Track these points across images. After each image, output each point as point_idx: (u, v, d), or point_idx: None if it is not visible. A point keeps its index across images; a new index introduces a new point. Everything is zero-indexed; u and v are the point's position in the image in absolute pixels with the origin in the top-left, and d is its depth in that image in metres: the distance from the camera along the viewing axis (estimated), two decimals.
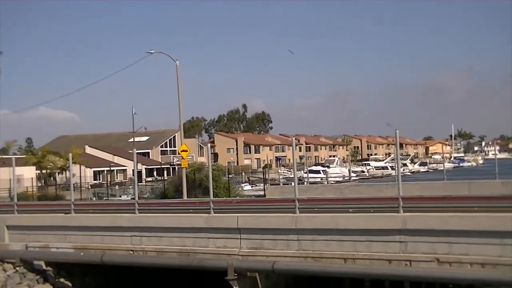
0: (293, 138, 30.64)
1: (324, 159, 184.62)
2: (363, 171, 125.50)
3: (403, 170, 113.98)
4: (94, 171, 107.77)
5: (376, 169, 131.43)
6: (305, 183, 65.34)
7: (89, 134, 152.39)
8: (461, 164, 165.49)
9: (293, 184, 27.99)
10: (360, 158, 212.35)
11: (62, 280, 27.64)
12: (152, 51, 52.10)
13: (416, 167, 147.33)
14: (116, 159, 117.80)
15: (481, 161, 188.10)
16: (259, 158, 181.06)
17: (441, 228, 19.61)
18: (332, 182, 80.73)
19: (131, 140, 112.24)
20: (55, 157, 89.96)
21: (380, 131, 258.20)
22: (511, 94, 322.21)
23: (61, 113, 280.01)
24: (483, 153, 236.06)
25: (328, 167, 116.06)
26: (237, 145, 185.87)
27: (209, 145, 69.04)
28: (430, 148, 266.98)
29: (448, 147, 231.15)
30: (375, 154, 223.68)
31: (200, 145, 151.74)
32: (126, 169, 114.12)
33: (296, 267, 22.05)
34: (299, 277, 23.69)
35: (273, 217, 23.73)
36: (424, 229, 19.95)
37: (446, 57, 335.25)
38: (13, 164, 34.40)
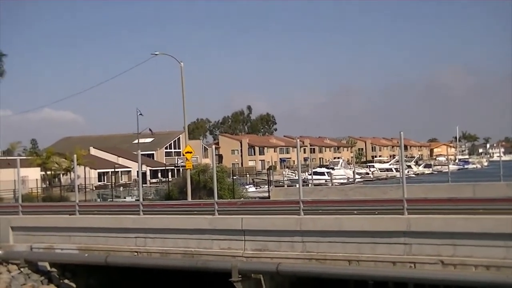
0: (298, 140, 30.66)
1: (328, 161, 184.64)
2: (367, 173, 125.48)
3: (408, 172, 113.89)
4: (98, 173, 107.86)
5: (380, 171, 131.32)
6: (310, 185, 65.43)
7: (93, 135, 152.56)
8: (465, 166, 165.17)
9: (297, 185, 27.99)
10: (365, 160, 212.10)
11: (66, 281, 27.67)
12: (157, 53, 52.17)
13: (421, 169, 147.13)
14: (121, 161, 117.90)
15: (486, 163, 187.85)
16: (264, 160, 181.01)
17: (446, 230, 19.58)
18: (336, 184, 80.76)
19: (136, 141, 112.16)
20: (60, 158, 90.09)
21: (385, 133, 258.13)
22: None
23: (65, 114, 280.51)
24: (488, 155, 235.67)
25: (333, 169, 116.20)
26: (241, 146, 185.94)
27: (213, 146, 68.95)
28: (435, 150, 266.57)
29: (453, 149, 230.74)
30: (380, 156, 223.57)
31: (204, 146, 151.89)
32: (130, 171, 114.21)
33: (301, 268, 22.04)
34: (303, 279, 23.65)
35: (277, 218, 23.74)
36: (429, 231, 19.93)
37: (451, 58, 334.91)
38: (18, 165, 34.42)
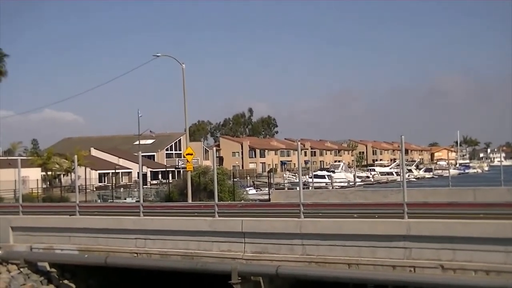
0: (299, 143, 30.67)
1: (329, 164, 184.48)
2: (368, 177, 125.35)
3: (408, 176, 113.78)
4: (99, 173, 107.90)
5: (381, 175, 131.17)
6: (310, 187, 65.33)
7: (94, 136, 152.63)
8: (466, 171, 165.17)
9: (298, 188, 27.98)
10: (365, 163, 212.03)
11: (66, 281, 27.67)
12: (158, 54, 52.23)
13: (421, 173, 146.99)
14: (122, 162, 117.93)
15: (486, 168, 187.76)
16: (264, 162, 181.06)
17: (446, 235, 19.58)
18: (337, 187, 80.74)
19: (137, 142, 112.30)
20: (61, 159, 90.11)
21: (386, 137, 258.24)
22: None
23: (66, 115, 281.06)
24: (489, 160, 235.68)
25: (333, 172, 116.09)
26: (242, 149, 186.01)
27: (214, 148, 69.15)
28: (436, 154, 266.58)
29: (454, 154, 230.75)
30: (380, 160, 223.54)
31: (205, 148, 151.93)
32: (131, 172, 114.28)
33: (300, 271, 22.02)
34: (303, 282, 23.65)
35: (277, 221, 23.72)
36: (429, 236, 19.92)
37: (452, 62, 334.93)
38: (19, 166, 34.43)
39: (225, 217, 25.32)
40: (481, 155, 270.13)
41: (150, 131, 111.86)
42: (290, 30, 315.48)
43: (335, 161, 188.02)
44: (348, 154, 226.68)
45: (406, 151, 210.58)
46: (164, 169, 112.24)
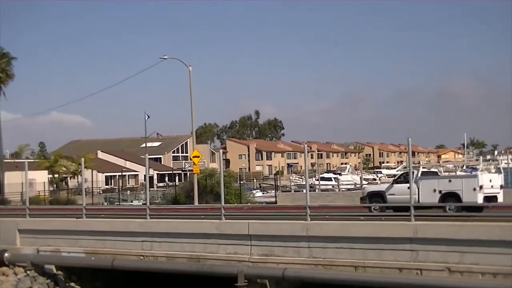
0: (305, 145, 30.67)
1: (336, 166, 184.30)
2: (374, 179, 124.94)
3: None
4: (106, 176, 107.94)
5: (388, 177, 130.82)
6: (317, 190, 65.33)
7: (101, 139, 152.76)
8: (473, 173, 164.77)
9: (304, 191, 27.99)
10: (372, 165, 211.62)
11: (72, 284, 27.70)
12: (165, 57, 52.35)
13: None
14: (128, 164, 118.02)
15: (493, 170, 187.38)
16: (271, 165, 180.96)
17: (453, 237, 19.56)
18: (343, 189, 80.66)
19: (143, 145, 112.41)
20: (68, 161, 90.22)
21: (392, 139, 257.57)
22: None
23: (73, 117, 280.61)
24: (496, 162, 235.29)
25: (340, 174, 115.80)
26: (249, 151, 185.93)
27: (221, 151, 69.05)
28: (442, 156, 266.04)
29: (460, 156, 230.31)
30: (387, 162, 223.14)
31: (212, 151, 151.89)
32: (138, 174, 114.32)
33: (307, 274, 22.03)
34: (309, 285, 23.64)
35: (284, 224, 23.76)
36: (435, 238, 19.91)
37: (459, 65, 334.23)
38: (26, 168, 34.52)
39: (231, 219, 25.34)
40: (488, 157, 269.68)
41: (157, 134, 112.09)
42: (298, 32, 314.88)
43: (342, 164, 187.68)
44: (354, 156, 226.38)
45: (413, 153, 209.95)
46: (171, 172, 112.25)
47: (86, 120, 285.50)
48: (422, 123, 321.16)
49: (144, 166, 32.59)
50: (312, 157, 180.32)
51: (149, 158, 33.97)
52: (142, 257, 26.25)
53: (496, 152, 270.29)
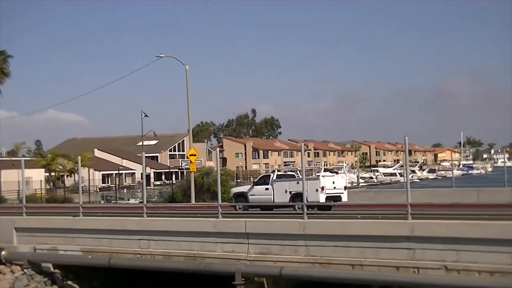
0: (302, 144, 30.68)
1: (332, 165, 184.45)
2: (371, 178, 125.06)
3: (412, 177, 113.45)
4: (102, 174, 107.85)
5: (384, 176, 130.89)
6: None
7: (97, 137, 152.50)
8: (469, 172, 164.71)
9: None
10: (369, 164, 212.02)
11: (69, 282, 27.68)
12: (162, 55, 52.40)
13: (425, 174, 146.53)
14: (125, 163, 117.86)
15: (490, 169, 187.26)
16: (268, 163, 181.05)
17: (450, 236, 19.57)
18: None
19: (140, 143, 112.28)
20: (64, 160, 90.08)
21: (389, 138, 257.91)
22: None
23: (69, 116, 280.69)
24: (492, 161, 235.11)
25: (337, 173, 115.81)
26: (245, 150, 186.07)
27: (218, 149, 69.15)
28: (439, 155, 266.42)
29: (457, 154, 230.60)
30: (384, 161, 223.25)
31: (208, 149, 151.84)
32: (134, 173, 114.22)
33: (304, 272, 22.02)
34: (306, 283, 23.64)
35: (281, 222, 23.79)
36: (433, 237, 19.92)
37: (455, 62, 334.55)
38: (22, 166, 34.51)
39: (228, 218, 25.35)
40: (485, 156, 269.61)
41: (153, 132, 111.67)
42: (297, 32, 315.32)
43: (339, 162, 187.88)
44: (351, 155, 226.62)
45: (410, 152, 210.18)
46: (168, 170, 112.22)
47: (83, 119, 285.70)
48: (419, 122, 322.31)
49: (141, 164, 32.51)
50: (308, 156, 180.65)
51: (145, 157, 33.92)
52: (139, 256, 26.23)
53: (492, 151, 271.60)
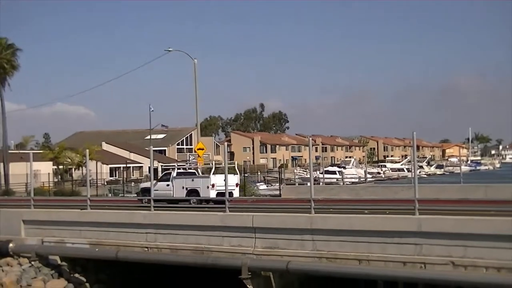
0: (310, 139, 30.59)
1: (340, 160, 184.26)
2: (379, 173, 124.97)
3: (419, 172, 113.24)
4: (110, 168, 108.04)
5: (392, 171, 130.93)
6: (321, 183, 65.26)
7: (105, 130, 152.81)
8: (477, 168, 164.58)
9: (308, 184, 28.02)
10: (376, 159, 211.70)
11: (76, 275, 27.76)
12: (170, 49, 52.46)
13: (432, 169, 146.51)
14: (133, 156, 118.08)
15: (498, 165, 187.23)
16: (275, 158, 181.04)
17: (457, 231, 19.52)
18: (347, 183, 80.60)
19: (148, 137, 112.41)
20: (72, 153, 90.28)
21: (397, 133, 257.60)
22: None
23: (77, 109, 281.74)
24: (500, 157, 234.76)
25: (344, 168, 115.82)
26: (253, 144, 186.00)
27: (225, 143, 69.00)
28: (447, 151, 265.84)
29: (465, 150, 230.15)
30: (392, 156, 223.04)
31: (216, 143, 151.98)
32: (142, 166, 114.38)
33: (310, 267, 22.02)
34: (313, 278, 23.65)
35: (288, 217, 23.75)
36: (440, 232, 19.87)
37: (465, 60, 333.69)
38: (30, 159, 34.54)
39: (236, 212, 25.36)
40: (493, 152, 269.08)
41: (162, 126, 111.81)
42: (305, 26, 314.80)
43: (346, 157, 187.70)
44: (359, 150, 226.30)
45: (418, 148, 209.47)
46: (175, 164, 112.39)
47: (91, 112, 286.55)
48: (427, 118, 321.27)
49: (149, 158, 32.54)
50: (316, 150, 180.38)
51: (153, 150, 33.95)
52: (146, 249, 26.27)
53: (500, 147, 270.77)
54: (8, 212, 31.84)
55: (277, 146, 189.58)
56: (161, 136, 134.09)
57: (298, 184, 76.27)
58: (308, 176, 38.72)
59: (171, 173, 40.52)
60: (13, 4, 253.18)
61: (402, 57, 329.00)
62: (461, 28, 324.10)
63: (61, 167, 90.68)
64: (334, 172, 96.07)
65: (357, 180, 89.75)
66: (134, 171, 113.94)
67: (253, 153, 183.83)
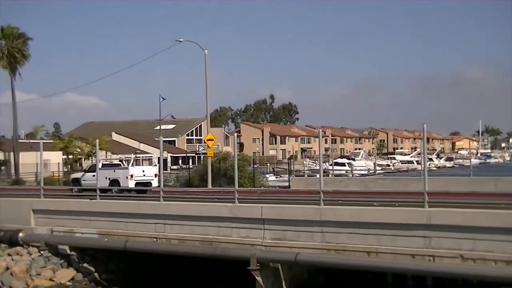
0: (320, 130, 30.59)
1: (349, 151, 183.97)
2: (388, 165, 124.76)
3: (429, 165, 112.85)
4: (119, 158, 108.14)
5: (401, 163, 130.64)
6: (330, 175, 65.17)
7: (115, 121, 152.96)
8: (487, 160, 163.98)
9: (318, 176, 27.95)
10: (386, 151, 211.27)
11: (85, 265, 27.88)
12: (181, 40, 52.27)
13: (442, 162, 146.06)
14: (142, 147, 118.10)
15: (508, 158, 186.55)
16: (285, 149, 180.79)
17: (466, 224, 19.48)
18: (357, 175, 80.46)
19: (158, 127, 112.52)
20: (82, 143, 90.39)
21: (407, 125, 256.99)
22: None
23: (88, 99, 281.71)
24: (510, 150, 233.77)
25: (354, 159, 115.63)
26: (263, 135, 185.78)
27: (235, 134, 69.21)
28: (457, 143, 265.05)
29: (475, 143, 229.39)
30: (401, 148, 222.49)
31: (226, 134, 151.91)
32: (151, 157, 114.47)
33: (319, 259, 22.01)
34: (321, 269, 23.66)
35: (297, 208, 23.71)
36: (449, 225, 19.84)
37: (476, 52, 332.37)
38: (41, 149, 34.64)
39: (245, 203, 25.36)
40: (503, 144, 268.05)
41: (172, 116, 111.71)
42: (315, 16, 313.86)
43: (356, 149, 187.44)
44: (368, 142, 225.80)
45: (427, 140, 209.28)
46: (185, 155, 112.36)
47: (101, 102, 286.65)
48: (438, 110, 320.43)
49: (158, 148, 32.65)
50: (326, 142, 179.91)
51: (163, 141, 34.01)
52: (155, 239, 26.33)
53: (511, 140, 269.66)
54: (18, 202, 31.99)
55: (287, 137, 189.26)
56: (171, 126, 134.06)
57: (307, 176, 76.06)
58: (317, 167, 38.70)
59: (95, 164, 42.12)
60: None
61: (413, 48, 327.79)
62: (473, 17, 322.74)
63: (70, 157, 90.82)
64: (343, 164, 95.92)
65: (366, 172, 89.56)
66: (144, 162, 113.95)
67: (263, 144, 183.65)
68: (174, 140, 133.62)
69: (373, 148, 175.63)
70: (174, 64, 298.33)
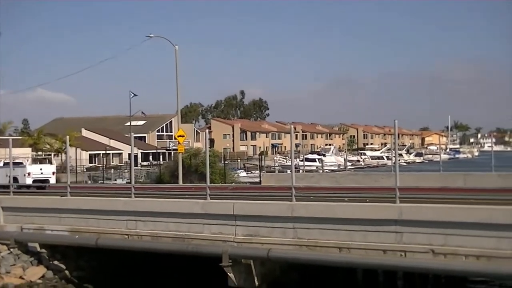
0: (292, 126, 30.62)
1: (320, 147, 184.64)
2: (358, 161, 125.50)
3: (399, 160, 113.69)
4: (90, 154, 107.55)
5: (371, 159, 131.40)
6: (301, 171, 65.34)
7: (85, 117, 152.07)
8: (456, 156, 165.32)
9: (288, 171, 28.01)
10: (356, 147, 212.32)
11: (56, 262, 27.65)
12: (151, 35, 52.11)
13: (412, 157, 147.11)
14: (112, 143, 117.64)
15: (476, 153, 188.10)
16: (255, 145, 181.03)
17: (437, 220, 19.57)
18: (327, 170, 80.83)
19: (128, 123, 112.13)
20: (52, 139, 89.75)
21: (377, 121, 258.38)
22: (509, 86, 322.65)
23: (58, 95, 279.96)
24: (479, 145, 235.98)
25: (324, 155, 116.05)
26: (233, 131, 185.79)
27: (207, 130, 68.86)
28: (426, 139, 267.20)
29: (444, 138, 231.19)
30: (371, 144, 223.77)
31: (196, 130, 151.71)
32: (122, 153, 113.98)
33: (291, 255, 22.02)
34: (294, 265, 23.70)
35: (269, 204, 23.73)
36: (420, 220, 19.92)
37: (445, 48, 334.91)
38: (10, 145, 34.33)
39: (216, 199, 25.30)
40: (471, 140, 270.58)
41: (142, 112, 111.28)
42: (285, 14, 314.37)
43: (326, 145, 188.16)
44: (339, 137, 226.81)
45: (398, 135, 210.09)
46: (155, 151, 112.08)
47: (71, 98, 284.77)
48: (407, 106, 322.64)
49: (129, 144, 32.57)
50: (296, 138, 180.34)
51: (133, 137, 33.85)
52: (127, 236, 26.17)
53: (479, 136, 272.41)
54: None
55: (257, 133, 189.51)
56: (141, 122, 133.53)
57: (278, 172, 76.36)
58: (288, 163, 38.76)
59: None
60: None
61: (383, 44, 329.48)
62: (445, 15, 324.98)
63: (40, 153, 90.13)
64: (314, 160, 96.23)
65: (336, 167, 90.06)
66: (114, 158, 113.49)
67: (233, 140, 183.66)
68: (145, 136, 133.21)
69: (343, 144, 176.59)
70: (145, 60, 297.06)
